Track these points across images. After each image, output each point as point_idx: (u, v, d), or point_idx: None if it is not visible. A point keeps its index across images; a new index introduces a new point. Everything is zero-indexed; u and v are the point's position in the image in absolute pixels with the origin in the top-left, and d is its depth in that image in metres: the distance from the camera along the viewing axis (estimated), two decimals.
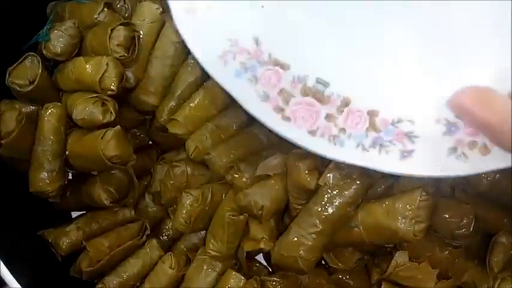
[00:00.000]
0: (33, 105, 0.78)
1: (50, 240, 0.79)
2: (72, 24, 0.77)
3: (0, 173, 0.77)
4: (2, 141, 0.75)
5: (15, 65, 0.75)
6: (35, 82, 0.75)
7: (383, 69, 0.58)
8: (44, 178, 0.76)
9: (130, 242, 0.79)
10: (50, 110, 0.76)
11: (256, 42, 0.58)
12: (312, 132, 0.57)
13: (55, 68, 0.80)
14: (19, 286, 0.67)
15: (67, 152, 0.77)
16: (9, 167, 0.78)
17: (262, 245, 0.74)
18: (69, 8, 0.82)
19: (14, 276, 0.67)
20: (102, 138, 0.73)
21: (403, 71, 0.58)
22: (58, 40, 0.77)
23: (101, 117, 0.74)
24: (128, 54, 0.76)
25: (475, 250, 0.75)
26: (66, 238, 0.78)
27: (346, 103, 0.58)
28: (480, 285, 0.73)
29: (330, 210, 0.69)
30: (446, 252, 0.72)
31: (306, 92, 0.58)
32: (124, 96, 0.81)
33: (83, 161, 0.77)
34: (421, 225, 0.67)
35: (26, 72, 0.76)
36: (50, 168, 0.76)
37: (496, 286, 0.73)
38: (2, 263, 0.68)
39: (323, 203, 0.69)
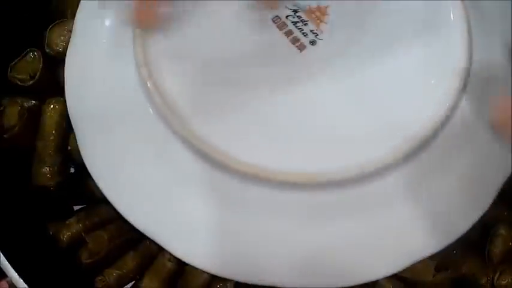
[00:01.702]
0: (35, 100, 0.79)
1: (50, 233, 0.80)
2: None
3: (2, 167, 0.78)
4: (5, 135, 0.76)
5: (16, 60, 0.77)
6: (36, 77, 0.76)
7: None
8: (46, 172, 0.77)
9: (131, 234, 0.80)
10: (52, 105, 0.77)
11: None
12: None
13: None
14: (20, 280, 0.68)
15: (69, 147, 0.79)
16: (11, 160, 0.79)
17: None
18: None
19: (14, 269, 0.68)
20: None
21: None
22: (60, 39, 0.78)
23: None
24: None
25: (474, 242, 0.74)
26: (67, 231, 0.79)
27: None
28: (479, 277, 0.73)
29: None
30: None
31: None
32: None
33: None
34: None
35: (27, 67, 0.77)
36: (51, 162, 0.77)
37: (495, 278, 0.72)
38: (3, 255, 0.68)
39: None
